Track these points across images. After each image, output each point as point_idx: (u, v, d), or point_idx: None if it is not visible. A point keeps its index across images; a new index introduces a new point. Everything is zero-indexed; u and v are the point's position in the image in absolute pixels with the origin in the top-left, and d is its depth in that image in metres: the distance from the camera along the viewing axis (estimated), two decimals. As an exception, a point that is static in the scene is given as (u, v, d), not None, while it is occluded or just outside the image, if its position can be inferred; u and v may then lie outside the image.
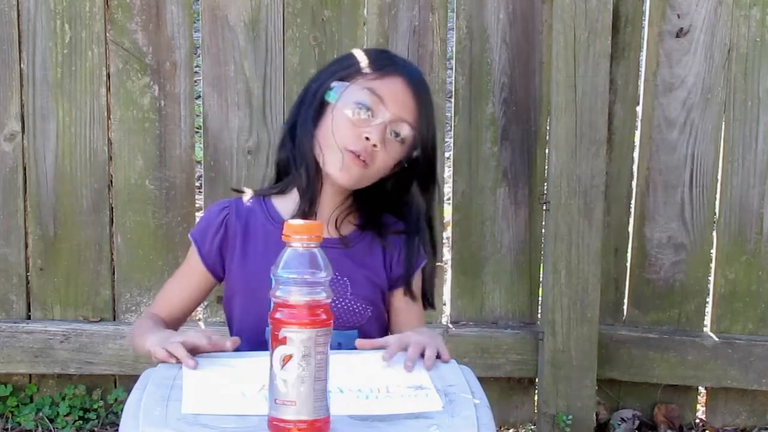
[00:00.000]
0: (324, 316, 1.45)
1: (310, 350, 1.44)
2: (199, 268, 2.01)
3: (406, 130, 1.91)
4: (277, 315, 1.45)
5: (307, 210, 1.95)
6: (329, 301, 1.47)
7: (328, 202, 1.98)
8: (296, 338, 1.44)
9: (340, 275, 1.93)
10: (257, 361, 1.70)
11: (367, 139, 1.88)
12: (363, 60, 1.95)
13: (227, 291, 2.03)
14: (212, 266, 2.00)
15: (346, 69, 1.94)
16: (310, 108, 1.95)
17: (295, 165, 1.97)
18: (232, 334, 1.99)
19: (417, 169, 1.97)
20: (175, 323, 2.03)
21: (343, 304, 1.95)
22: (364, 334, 1.93)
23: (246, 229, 1.98)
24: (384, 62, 1.94)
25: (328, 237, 1.92)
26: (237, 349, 1.77)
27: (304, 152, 1.95)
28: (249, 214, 1.99)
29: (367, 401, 1.56)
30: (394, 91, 1.90)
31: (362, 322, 1.96)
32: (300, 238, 1.46)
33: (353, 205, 2.00)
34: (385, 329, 2.05)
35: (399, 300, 2.02)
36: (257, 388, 1.59)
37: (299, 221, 1.51)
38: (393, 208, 2.02)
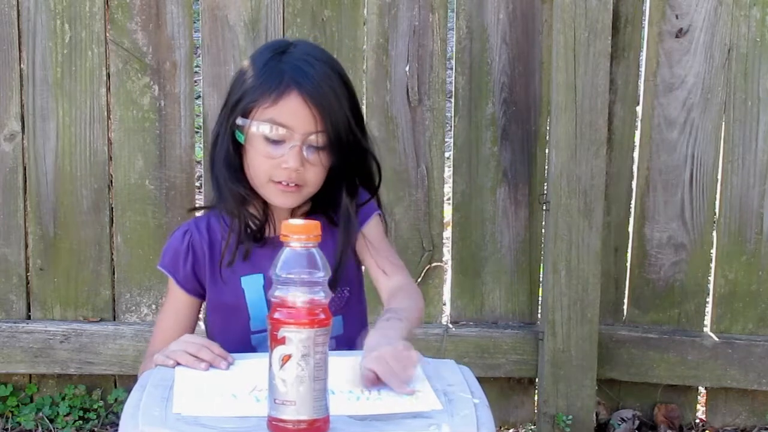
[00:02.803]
0: (322, 316, 1.45)
1: (309, 350, 1.44)
2: (182, 295, 2.00)
3: (321, 139, 1.87)
4: (276, 315, 1.45)
5: (261, 234, 1.94)
6: (328, 300, 1.47)
7: (283, 209, 1.96)
8: (295, 338, 1.44)
9: None
10: (248, 363, 1.71)
11: (287, 168, 1.86)
12: (254, 83, 1.89)
13: (206, 308, 2.03)
14: (193, 290, 2.00)
15: (242, 101, 1.89)
16: (223, 150, 1.92)
17: (227, 203, 1.95)
18: None
19: (348, 152, 1.93)
20: None
21: None
22: (349, 318, 1.94)
23: (211, 246, 1.98)
24: (274, 79, 1.87)
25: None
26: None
27: (227, 198, 1.93)
28: (210, 230, 1.99)
29: (360, 402, 1.56)
30: (294, 111, 1.85)
31: (342, 305, 1.95)
32: (298, 238, 1.46)
33: (310, 208, 1.98)
34: (366, 308, 2.04)
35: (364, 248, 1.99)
36: (248, 390, 1.59)
37: (297, 221, 1.51)
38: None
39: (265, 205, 1.96)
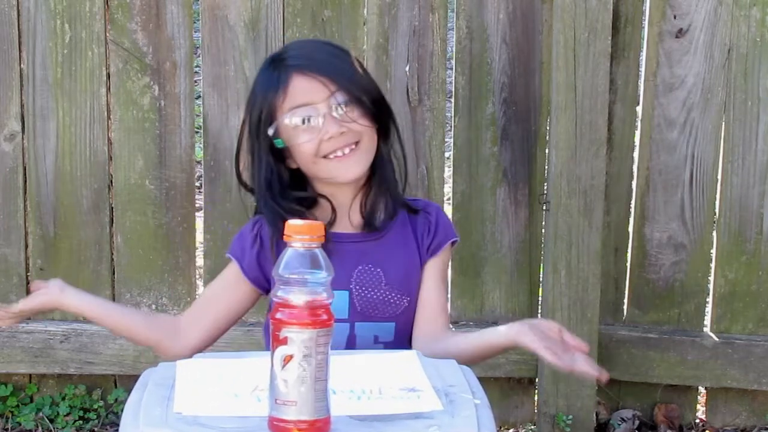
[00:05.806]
0: (325, 317, 1.45)
1: (311, 350, 1.44)
2: (241, 282, 2.00)
3: (340, 97, 1.90)
4: (278, 315, 1.45)
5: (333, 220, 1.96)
6: (330, 301, 1.47)
7: (344, 201, 1.97)
8: (297, 338, 1.43)
9: (373, 266, 1.94)
10: (250, 361, 1.71)
11: (331, 137, 1.89)
12: (263, 92, 1.94)
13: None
14: (254, 279, 1.99)
15: (262, 113, 1.93)
16: (265, 170, 1.95)
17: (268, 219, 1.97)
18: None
19: (370, 98, 1.95)
20: (217, 329, 2.01)
21: (378, 294, 1.94)
22: (401, 326, 1.95)
23: (279, 238, 1.99)
24: (275, 73, 1.93)
25: (354, 232, 1.96)
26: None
27: (268, 216, 1.96)
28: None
29: (361, 402, 1.56)
30: (303, 88, 1.89)
31: (398, 312, 1.96)
32: (301, 238, 1.46)
33: (376, 194, 1.99)
34: None
35: (428, 279, 2.00)
36: (250, 389, 1.59)
37: (300, 221, 1.51)
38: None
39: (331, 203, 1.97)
